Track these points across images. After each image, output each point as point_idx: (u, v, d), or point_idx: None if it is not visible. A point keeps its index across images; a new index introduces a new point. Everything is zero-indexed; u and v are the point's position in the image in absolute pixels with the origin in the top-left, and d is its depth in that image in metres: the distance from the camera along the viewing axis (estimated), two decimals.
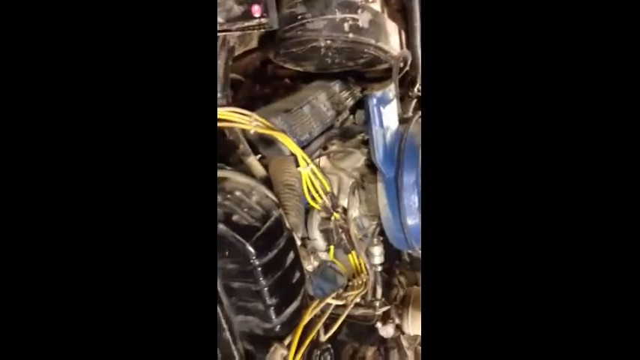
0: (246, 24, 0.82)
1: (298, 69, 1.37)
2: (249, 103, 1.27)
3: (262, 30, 0.85)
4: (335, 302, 1.06)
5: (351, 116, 1.45)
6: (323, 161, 1.28)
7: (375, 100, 1.03)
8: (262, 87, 1.42)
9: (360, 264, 1.20)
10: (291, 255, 0.83)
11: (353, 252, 1.17)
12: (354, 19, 1.15)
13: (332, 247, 1.06)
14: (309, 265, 1.16)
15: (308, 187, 1.07)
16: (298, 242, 0.83)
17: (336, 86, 1.42)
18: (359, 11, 1.16)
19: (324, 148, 1.30)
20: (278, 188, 0.89)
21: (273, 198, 0.84)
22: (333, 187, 1.24)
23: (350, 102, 1.45)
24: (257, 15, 0.81)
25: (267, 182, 0.93)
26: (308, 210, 1.12)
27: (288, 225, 0.83)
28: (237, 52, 1.33)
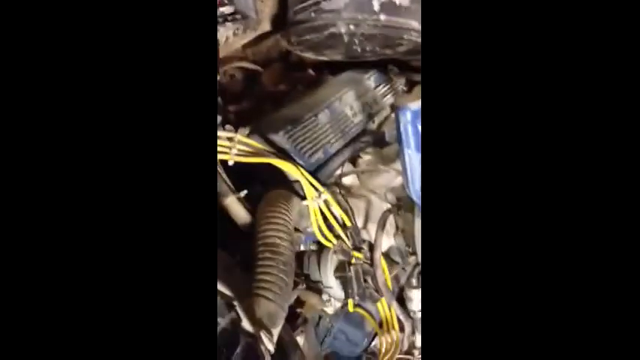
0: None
1: (322, 59, 1.08)
2: (255, 105, 1.01)
3: (234, 21, 0.59)
4: None
5: (392, 115, 1.15)
6: (350, 179, 1.01)
7: (409, 115, 0.73)
8: (278, 80, 1.15)
9: (391, 316, 0.93)
10: None
11: (383, 300, 0.90)
12: None
13: (351, 302, 0.80)
14: (329, 308, 0.92)
15: (319, 225, 0.81)
16: (271, 348, 0.54)
17: (371, 79, 1.12)
18: None
19: (354, 162, 1.03)
20: (256, 249, 0.63)
21: (225, 292, 0.57)
22: (359, 214, 0.97)
23: (390, 99, 1.15)
24: (225, 10, 0.56)
25: (248, 234, 0.68)
26: (321, 248, 0.86)
27: (250, 328, 0.55)
28: (244, 39, 1.07)
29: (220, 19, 0.60)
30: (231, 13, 0.60)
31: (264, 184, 0.80)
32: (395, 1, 0.86)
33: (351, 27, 0.86)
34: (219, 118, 0.82)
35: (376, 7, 0.85)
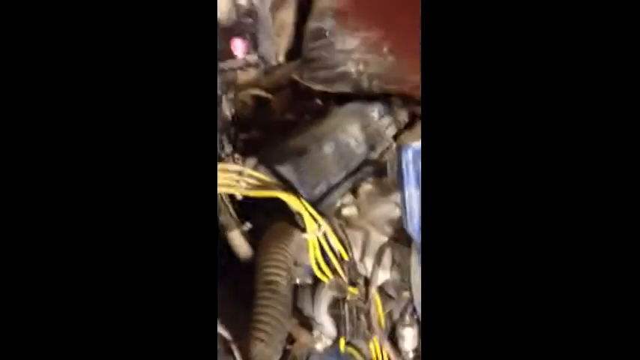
0: (230, 65, 0.60)
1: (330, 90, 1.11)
2: (264, 134, 1.04)
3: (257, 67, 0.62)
4: None
5: (393, 146, 1.18)
6: (349, 210, 1.03)
7: (410, 154, 0.76)
8: (286, 109, 1.18)
9: (382, 356, 0.94)
10: None
11: (375, 339, 0.91)
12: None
13: (343, 340, 0.82)
14: (319, 344, 0.94)
15: (316, 258, 0.84)
16: None
17: (374, 112, 1.15)
18: None
19: (354, 192, 1.05)
20: (257, 285, 0.65)
21: (224, 334, 0.58)
22: (357, 247, 0.99)
23: (392, 131, 1.18)
24: (239, 53, 0.58)
25: (251, 268, 0.70)
26: (317, 282, 0.89)
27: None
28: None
29: (243, 67, 0.63)
30: (255, 61, 0.63)
31: (267, 215, 0.83)
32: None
33: (361, 67, 0.89)
34: (229, 147, 0.85)
35: (385, 48, 0.89)
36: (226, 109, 0.83)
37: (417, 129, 0.84)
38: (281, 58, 1.18)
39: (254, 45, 0.60)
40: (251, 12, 0.60)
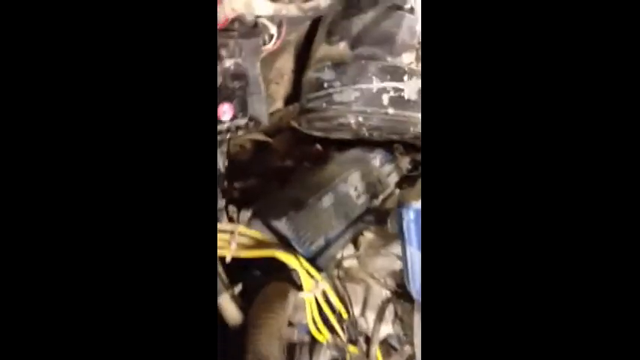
0: (218, 129, 0.58)
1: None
2: (261, 182, 1.02)
3: (246, 128, 0.60)
4: None
5: (396, 190, 1.15)
6: (349, 262, 1.00)
7: (412, 214, 0.73)
8: (285, 155, 1.16)
9: None
10: None
11: None
12: (397, 89, 0.86)
13: None
14: None
15: (314, 317, 0.80)
16: None
17: (376, 159, 1.13)
18: (405, 78, 0.87)
19: (355, 242, 1.02)
20: (247, 356, 0.62)
21: None
22: (357, 302, 0.95)
23: (394, 178, 1.15)
24: (226, 118, 0.57)
25: (240, 336, 0.66)
26: (314, 342, 0.84)
27: None
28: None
29: (232, 130, 0.61)
30: (245, 124, 0.61)
31: (262, 271, 0.80)
32: (403, 96, 0.88)
33: (360, 119, 0.88)
34: (222, 202, 0.83)
35: (385, 101, 0.87)
36: (219, 162, 0.81)
37: (418, 185, 0.82)
38: (280, 104, 1.17)
39: (242, 107, 0.59)
40: (239, 75, 0.58)
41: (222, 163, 0.83)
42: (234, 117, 0.60)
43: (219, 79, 0.58)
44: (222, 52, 0.57)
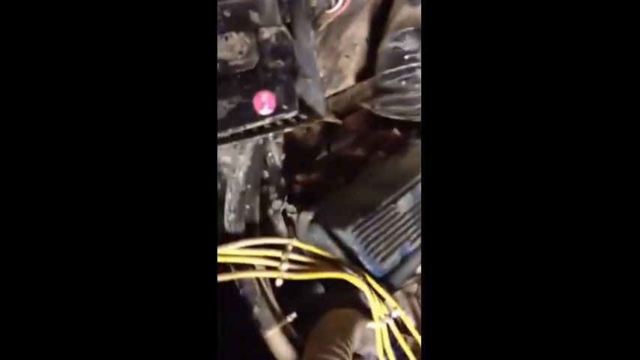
0: (250, 125, 0.43)
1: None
2: (326, 176, 0.86)
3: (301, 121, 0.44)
4: None
5: None
6: None
7: None
8: (355, 141, 0.99)
9: None
10: None
11: None
12: None
13: None
14: None
15: (385, 350, 0.64)
16: None
17: None
18: None
19: None
20: None
21: None
22: None
23: None
24: (265, 112, 0.41)
25: None
26: None
27: None
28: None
29: (278, 127, 0.47)
30: (294, 118, 0.46)
31: (321, 295, 0.65)
32: None
33: None
34: (278, 203, 0.69)
35: None
36: (275, 155, 0.67)
37: None
38: (351, 81, 1.00)
39: (288, 96, 0.43)
40: (283, 50, 0.42)
41: (277, 157, 0.69)
42: (278, 110, 0.44)
43: (254, 57, 0.42)
44: (254, 17, 0.40)
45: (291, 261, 0.58)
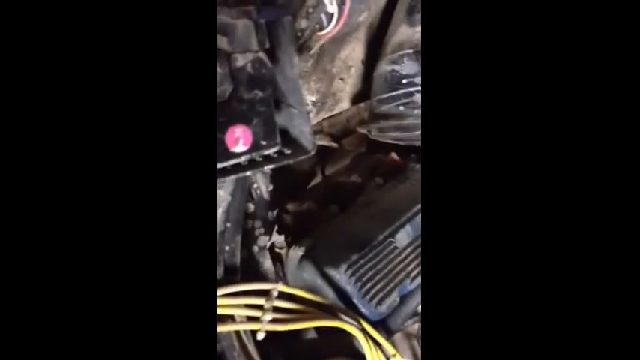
0: (222, 165, 0.38)
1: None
2: (319, 207, 0.80)
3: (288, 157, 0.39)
4: None
5: None
6: None
7: None
8: (353, 165, 0.94)
9: None
10: None
11: None
12: None
13: None
14: None
15: None
16: None
17: None
18: None
19: None
20: None
21: None
22: None
23: None
24: (239, 149, 0.36)
25: None
26: None
27: None
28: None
29: (255, 165, 0.42)
30: (275, 154, 0.41)
31: (318, 329, 0.60)
32: None
33: None
34: (264, 239, 0.64)
35: None
36: (262, 185, 0.61)
37: None
38: (346, 105, 0.95)
39: (267, 130, 0.37)
40: (260, 78, 0.36)
41: (264, 188, 0.63)
42: (255, 146, 0.39)
43: (226, 87, 0.36)
44: (222, 43, 0.35)
45: (277, 309, 0.52)
